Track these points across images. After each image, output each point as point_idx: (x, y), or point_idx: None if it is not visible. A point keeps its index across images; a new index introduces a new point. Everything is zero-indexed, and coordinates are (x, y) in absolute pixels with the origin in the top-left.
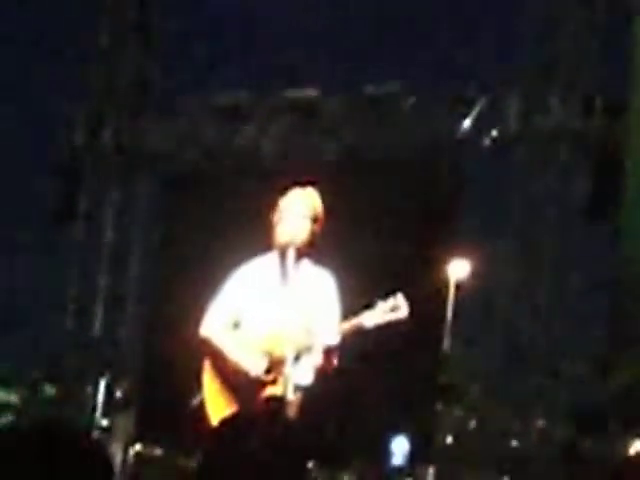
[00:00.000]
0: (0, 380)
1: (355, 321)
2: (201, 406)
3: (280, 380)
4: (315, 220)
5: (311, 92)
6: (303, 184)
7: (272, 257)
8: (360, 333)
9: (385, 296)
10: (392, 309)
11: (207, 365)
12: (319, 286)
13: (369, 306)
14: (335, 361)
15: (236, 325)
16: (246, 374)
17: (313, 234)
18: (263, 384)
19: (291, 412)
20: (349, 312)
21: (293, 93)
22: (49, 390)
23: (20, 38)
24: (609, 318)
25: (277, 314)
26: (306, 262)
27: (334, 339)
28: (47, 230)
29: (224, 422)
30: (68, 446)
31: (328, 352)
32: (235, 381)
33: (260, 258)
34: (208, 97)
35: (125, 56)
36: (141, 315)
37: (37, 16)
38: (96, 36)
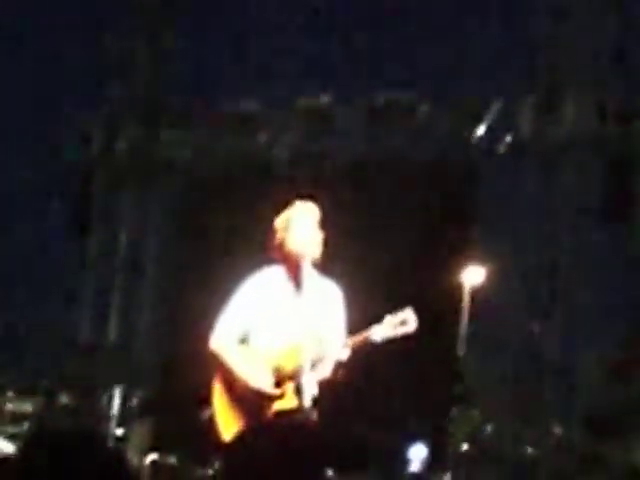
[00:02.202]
0: (15, 390)
1: (364, 335)
2: (211, 419)
3: (288, 394)
4: (321, 231)
5: (324, 99)
6: (303, 197)
7: (280, 267)
8: (369, 346)
9: (394, 310)
10: (401, 323)
11: (217, 379)
12: (330, 298)
13: (378, 320)
14: (342, 374)
15: (244, 340)
16: (254, 390)
17: (323, 245)
18: (271, 399)
19: (307, 421)
20: (360, 321)
21: (306, 101)
22: (64, 399)
23: (33, 50)
24: (625, 322)
25: (291, 326)
26: (315, 274)
27: (344, 353)
28: (63, 240)
29: (242, 434)
30: (91, 453)
31: (337, 366)
32: (244, 397)
33: (269, 268)
34: (222, 106)
35: (139, 67)
36: (156, 324)
37: (52, 27)
38: (111, 47)
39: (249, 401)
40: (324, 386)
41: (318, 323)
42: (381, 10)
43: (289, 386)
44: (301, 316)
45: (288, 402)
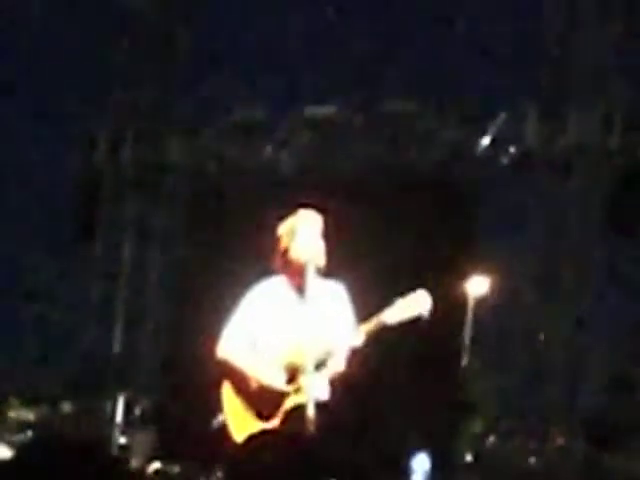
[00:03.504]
0: (19, 398)
1: (377, 320)
2: (223, 427)
3: (303, 389)
4: (324, 239)
5: (329, 109)
6: (308, 206)
7: (282, 277)
8: (383, 332)
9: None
10: (414, 304)
11: (226, 385)
12: (335, 298)
13: (389, 305)
14: (356, 365)
15: (251, 346)
16: (268, 388)
17: (327, 253)
18: (286, 395)
19: (311, 428)
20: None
21: (312, 110)
22: (68, 407)
23: (41, 56)
24: (630, 334)
25: (296, 332)
26: (318, 279)
27: (358, 340)
28: (67, 247)
29: (245, 441)
30: (90, 459)
31: (351, 356)
32: (258, 396)
33: (271, 279)
34: (228, 114)
35: (146, 73)
36: (160, 332)
37: (59, 33)
38: (117, 54)
39: (263, 400)
40: (334, 389)
41: (324, 327)
42: (386, 23)
43: (303, 380)
44: (305, 323)
45: (304, 396)
